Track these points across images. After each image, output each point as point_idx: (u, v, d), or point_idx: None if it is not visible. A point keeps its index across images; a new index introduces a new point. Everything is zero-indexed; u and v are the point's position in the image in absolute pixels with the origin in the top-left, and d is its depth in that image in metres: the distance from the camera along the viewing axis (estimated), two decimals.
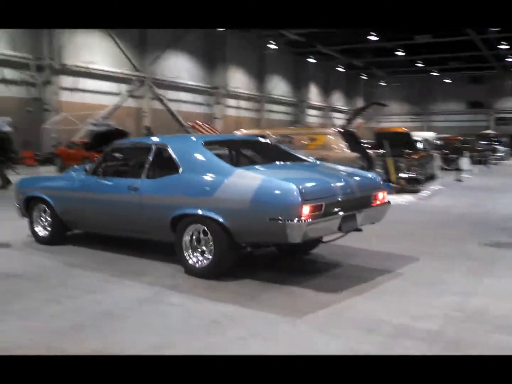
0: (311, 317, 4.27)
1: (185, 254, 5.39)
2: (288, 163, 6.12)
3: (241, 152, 6.86)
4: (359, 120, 17.21)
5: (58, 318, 4.23)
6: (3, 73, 26.70)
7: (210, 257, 5.24)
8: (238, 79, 41.53)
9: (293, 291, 4.95)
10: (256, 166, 5.81)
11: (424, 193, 13.17)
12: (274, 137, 11.90)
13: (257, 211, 4.89)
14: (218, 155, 5.76)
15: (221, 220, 5.07)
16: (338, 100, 58.12)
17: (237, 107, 42.43)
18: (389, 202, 5.97)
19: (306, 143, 11.67)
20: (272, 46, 40.00)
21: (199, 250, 5.34)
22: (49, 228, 6.85)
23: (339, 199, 5.12)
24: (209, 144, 5.96)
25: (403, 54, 42.64)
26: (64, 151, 24.60)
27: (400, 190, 13.05)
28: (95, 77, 30.70)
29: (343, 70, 52.61)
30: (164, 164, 5.78)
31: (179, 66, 36.26)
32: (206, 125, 16.25)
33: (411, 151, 15.11)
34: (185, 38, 35.29)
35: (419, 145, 16.90)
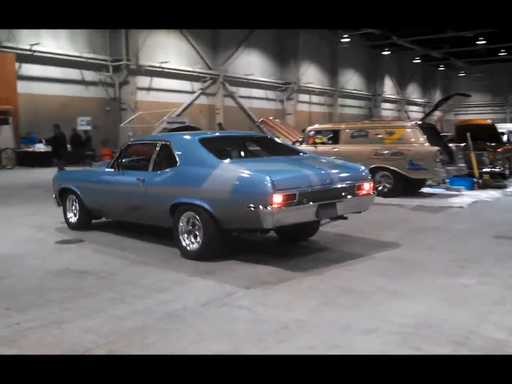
0: (394, 327, 3.87)
1: (180, 238, 5.97)
2: (277, 156, 6.68)
3: (239, 147, 7.29)
4: (437, 113, 16.32)
5: (122, 319, 4.08)
6: (83, 75, 27.72)
7: (200, 241, 5.78)
8: (310, 74, 41.00)
9: (371, 293, 4.57)
10: (242, 160, 6.40)
11: (511, 188, 12.25)
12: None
13: (237, 199, 5.41)
14: (215, 150, 6.24)
15: (208, 208, 5.63)
16: (413, 92, 56.16)
17: (309, 102, 41.92)
18: (374, 193, 6.35)
19: (382, 137, 11.12)
20: (346, 40, 39.16)
21: (192, 234, 5.89)
22: (77, 215, 7.66)
23: (315, 189, 5.53)
24: (205, 141, 6.43)
25: (484, 42, 40.44)
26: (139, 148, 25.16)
27: (484, 186, 12.22)
28: (170, 76, 31.27)
29: (419, 61, 50.71)
30: (166, 158, 6.43)
31: (251, 63, 36.26)
32: (277, 120, 15.98)
33: (495, 144, 14.16)
34: (257, 34, 35.22)
35: (504, 138, 15.84)
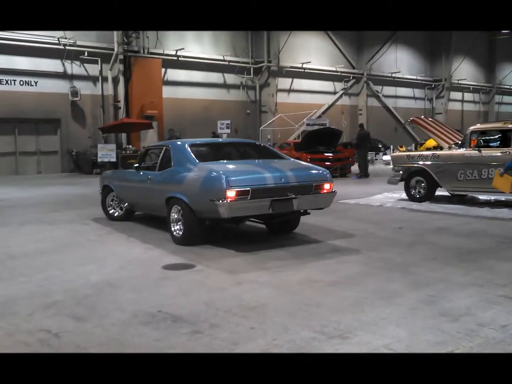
0: None
1: (171, 225, 7.11)
2: (252, 159, 7.63)
3: (224, 152, 7.99)
4: None
5: None
6: (225, 78, 27.68)
7: (182, 228, 6.92)
8: (463, 69, 37.56)
9: None
10: (215, 162, 7.10)
11: None
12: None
13: (204, 193, 6.44)
14: (200, 154, 7.31)
15: (186, 201, 6.73)
16: None
17: (461, 100, 38.42)
18: (334, 192, 6.98)
19: None
20: (505, 31, 35.11)
21: (180, 223, 6.99)
22: (116, 208, 9.12)
23: (269, 187, 6.36)
24: (194, 146, 7.60)
25: None
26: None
27: None
28: (311, 77, 30.35)
29: None
30: (167, 161, 7.57)
31: (397, 60, 34.12)
32: (430, 119, 13.95)
33: None
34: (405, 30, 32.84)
35: None
